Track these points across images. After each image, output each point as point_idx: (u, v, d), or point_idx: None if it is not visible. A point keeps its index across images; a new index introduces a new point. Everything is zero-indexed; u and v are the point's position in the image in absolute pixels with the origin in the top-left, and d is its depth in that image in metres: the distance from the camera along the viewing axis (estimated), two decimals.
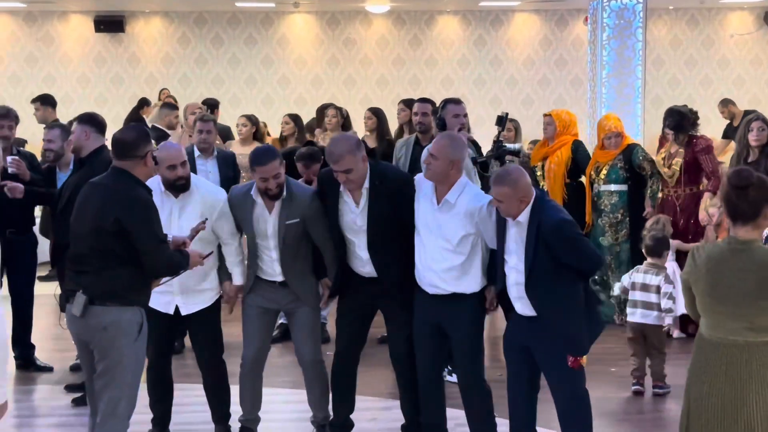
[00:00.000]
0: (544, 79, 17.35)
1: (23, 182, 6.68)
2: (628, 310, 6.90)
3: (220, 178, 7.39)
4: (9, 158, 6.71)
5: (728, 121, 13.82)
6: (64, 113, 16.39)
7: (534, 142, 9.95)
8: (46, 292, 7.21)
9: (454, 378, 5.91)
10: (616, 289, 7.04)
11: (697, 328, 4.11)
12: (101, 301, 4.45)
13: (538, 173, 8.62)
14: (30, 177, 6.79)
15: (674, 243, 7.71)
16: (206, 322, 5.52)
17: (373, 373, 6.69)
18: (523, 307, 4.86)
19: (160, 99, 14.74)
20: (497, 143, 7.15)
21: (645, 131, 12.01)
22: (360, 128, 9.81)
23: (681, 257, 7.81)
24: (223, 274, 5.56)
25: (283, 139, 9.42)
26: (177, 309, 5.46)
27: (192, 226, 5.17)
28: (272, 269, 5.44)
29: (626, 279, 6.98)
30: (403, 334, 5.37)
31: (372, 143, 8.70)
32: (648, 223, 7.65)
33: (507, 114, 7.27)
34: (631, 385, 6.70)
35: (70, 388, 6.64)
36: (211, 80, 17.07)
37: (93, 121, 6.39)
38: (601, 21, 11.74)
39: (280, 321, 7.22)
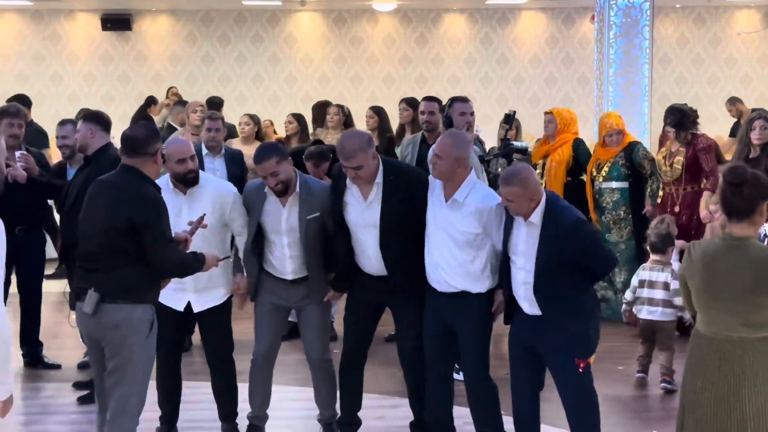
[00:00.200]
0: (550, 77, 17.34)
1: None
2: (636, 307, 6.94)
3: (228, 176, 7.39)
4: (18, 153, 6.76)
5: (735, 120, 13.80)
6: (71, 111, 16.42)
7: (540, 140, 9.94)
8: (53, 290, 7.25)
9: (460, 376, 5.90)
10: (628, 294, 7.03)
11: None
12: (113, 298, 4.45)
13: (538, 171, 8.61)
14: (39, 172, 6.82)
15: (678, 243, 7.71)
16: (217, 320, 5.52)
17: (380, 371, 6.70)
18: (530, 307, 4.85)
19: (167, 97, 14.75)
20: (505, 141, 7.16)
21: (652, 130, 11.99)
22: (363, 127, 9.80)
23: None
24: (236, 267, 5.56)
25: (286, 139, 9.43)
26: (188, 306, 5.46)
27: (209, 220, 5.19)
28: (283, 266, 5.44)
29: (634, 279, 7.03)
30: (412, 332, 5.37)
31: (374, 141, 8.69)
32: (653, 223, 7.64)
33: (515, 112, 7.29)
34: (636, 372, 6.80)
35: (77, 386, 6.65)
36: (218, 78, 17.09)
37: (98, 119, 6.40)
38: (608, 19, 11.71)
39: (289, 319, 7.22)
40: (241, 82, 17.15)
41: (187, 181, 5.31)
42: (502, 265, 5.00)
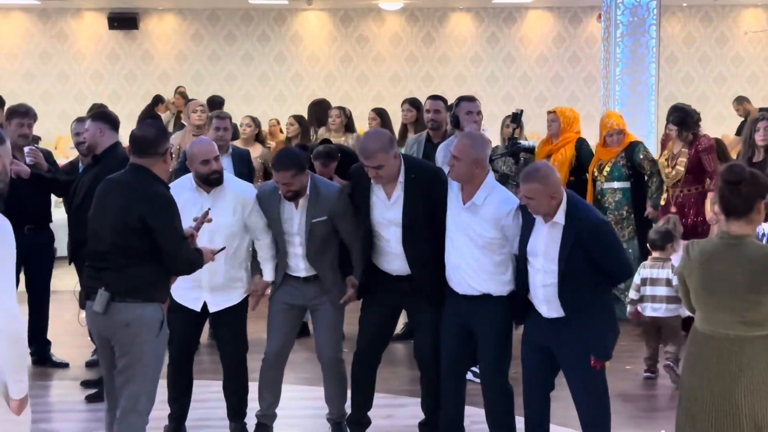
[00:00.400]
0: (557, 76, 17.34)
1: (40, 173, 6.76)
2: (640, 305, 6.98)
3: (235, 175, 7.38)
4: (27, 149, 6.79)
5: (743, 119, 13.77)
6: (78, 110, 16.44)
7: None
8: (61, 288, 7.27)
9: (469, 376, 5.90)
10: (632, 293, 7.04)
11: None
12: (123, 297, 4.46)
13: None
14: (47, 168, 6.84)
15: (682, 243, 7.72)
16: (233, 320, 5.52)
17: (388, 370, 6.69)
18: (549, 310, 4.81)
19: (174, 96, 14.75)
20: (512, 140, 7.15)
21: (658, 129, 11.98)
22: (365, 128, 9.80)
23: None
24: (255, 268, 5.57)
25: (288, 140, 9.43)
26: (204, 306, 5.47)
27: (225, 221, 5.23)
28: (297, 265, 5.46)
29: (636, 278, 7.05)
30: (430, 332, 5.34)
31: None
32: (659, 223, 7.64)
33: (522, 111, 7.28)
34: (644, 372, 6.84)
35: (86, 384, 6.66)
36: (224, 77, 17.11)
37: (107, 118, 6.42)
38: (615, 18, 11.71)
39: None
40: (247, 81, 17.17)
41: (210, 181, 5.32)
42: (523, 267, 4.95)
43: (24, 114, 6.98)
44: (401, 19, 17.21)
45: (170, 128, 12.21)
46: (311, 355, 5.70)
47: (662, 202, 8.26)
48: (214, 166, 5.30)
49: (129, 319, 4.47)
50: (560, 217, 4.72)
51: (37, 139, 10.36)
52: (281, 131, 12.45)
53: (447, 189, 5.21)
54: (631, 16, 11.70)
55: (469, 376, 5.87)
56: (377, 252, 5.37)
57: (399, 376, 6.82)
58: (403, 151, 7.51)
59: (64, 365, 7.21)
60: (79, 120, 7.17)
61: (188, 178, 5.38)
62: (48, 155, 7.16)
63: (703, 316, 4.02)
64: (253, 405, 5.66)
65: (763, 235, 5.53)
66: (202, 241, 5.06)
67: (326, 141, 8.26)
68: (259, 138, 9.33)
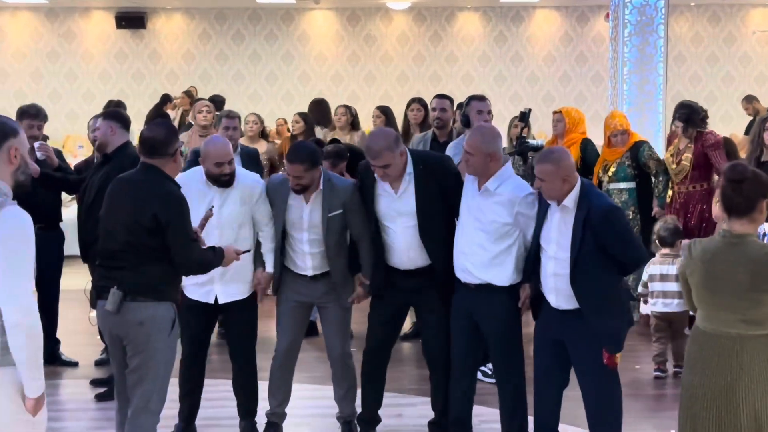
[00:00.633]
0: (564, 75, 17.32)
1: (49, 169, 6.78)
2: (650, 301, 7.03)
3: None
4: (37, 143, 6.82)
5: (751, 118, 13.75)
6: (86, 109, 16.53)
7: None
8: (70, 287, 7.27)
9: (479, 375, 5.91)
10: (641, 289, 7.09)
11: None
12: (136, 296, 4.47)
13: None
14: (58, 164, 6.86)
15: (685, 242, 7.73)
16: (243, 314, 5.53)
17: (398, 369, 6.70)
18: (558, 299, 4.81)
19: (180, 95, 14.77)
20: (520, 139, 7.15)
21: (666, 128, 11.97)
22: (369, 126, 9.82)
23: None
24: (258, 262, 5.57)
25: (293, 138, 9.44)
26: (215, 301, 5.47)
27: (233, 212, 5.26)
28: (303, 262, 5.45)
29: (644, 275, 7.08)
30: (439, 330, 5.35)
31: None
32: (656, 227, 7.66)
33: (530, 110, 7.27)
34: (653, 370, 6.87)
35: (95, 383, 6.68)
36: (232, 77, 17.13)
37: (118, 117, 6.43)
38: (623, 17, 11.68)
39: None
40: (254, 81, 17.18)
41: (221, 182, 5.32)
42: (531, 258, 4.97)
43: (34, 115, 7.00)
44: (408, 19, 17.21)
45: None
46: (321, 354, 5.71)
47: (668, 199, 8.25)
48: (226, 169, 5.29)
49: (142, 318, 4.47)
50: (570, 201, 4.72)
51: (45, 139, 10.38)
52: (288, 131, 12.47)
53: (457, 177, 5.25)
54: (639, 15, 11.67)
55: (479, 375, 5.88)
56: (387, 249, 5.38)
57: (408, 375, 6.83)
58: None
59: (73, 364, 7.22)
60: (97, 117, 7.20)
61: (199, 171, 5.38)
62: (58, 154, 7.17)
63: (704, 314, 4.04)
64: (263, 404, 5.66)
65: (764, 234, 5.53)
66: (212, 235, 5.08)
67: (335, 141, 8.28)
68: (263, 135, 9.36)
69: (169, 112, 13.79)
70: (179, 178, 4.87)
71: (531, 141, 7.07)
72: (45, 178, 6.70)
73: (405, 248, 5.29)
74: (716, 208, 7.84)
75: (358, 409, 5.66)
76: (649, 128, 10.90)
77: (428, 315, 5.44)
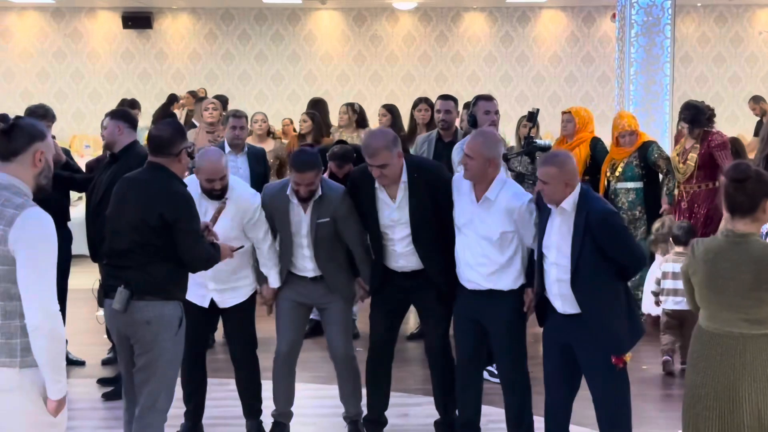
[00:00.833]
0: (570, 76, 17.30)
1: (57, 167, 6.78)
2: (661, 298, 7.11)
3: (250, 174, 7.41)
4: None
5: (759, 118, 13.73)
6: (92, 109, 16.57)
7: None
8: (78, 287, 7.28)
9: (486, 375, 5.90)
10: (653, 286, 7.15)
11: None
12: (143, 295, 4.47)
13: None
14: (65, 161, 6.87)
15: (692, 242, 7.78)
16: (241, 317, 5.54)
17: (404, 369, 6.71)
18: (564, 304, 4.82)
19: (185, 95, 14.78)
20: (528, 139, 7.14)
21: (673, 128, 11.95)
22: (375, 125, 9.81)
23: None
24: (261, 275, 5.57)
25: (301, 137, 9.45)
26: (212, 303, 5.48)
27: (227, 225, 5.21)
28: (305, 265, 5.46)
29: (657, 271, 7.12)
30: (440, 329, 5.37)
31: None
32: (654, 227, 7.66)
33: (538, 110, 7.27)
34: (662, 357, 7.00)
35: (102, 382, 6.68)
36: (238, 77, 17.13)
37: (125, 117, 6.44)
38: (629, 17, 11.66)
39: (311, 317, 7.24)
40: (261, 81, 17.19)
41: (212, 196, 5.30)
42: (535, 264, 4.97)
43: (42, 116, 7.00)
44: (414, 19, 17.20)
45: None
46: (326, 353, 5.71)
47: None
48: (217, 185, 5.26)
49: (149, 317, 4.48)
50: (568, 204, 4.71)
51: (52, 139, 10.38)
52: (294, 131, 12.47)
53: (450, 186, 5.24)
54: (646, 15, 11.65)
55: (486, 375, 5.88)
56: (384, 252, 5.38)
57: (414, 375, 6.82)
58: (412, 150, 7.51)
59: (81, 363, 7.23)
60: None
61: (195, 182, 5.34)
62: (66, 154, 7.17)
63: (707, 314, 4.04)
64: (268, 403, 5.67)
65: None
66: None
67: (341, 142, 8.28)
68: (269, 133, 9.38)
69: (176, 111, 13.80)
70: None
71: (539, 141, 7.04)
72: (53, 176, 6.70)
73: (402, 253, 5.31)
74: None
75: (364, 409, 5.66)
76: (656, 129, 10.89)
77: (428, 312, 5.47)
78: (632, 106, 11.48)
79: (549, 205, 4.81)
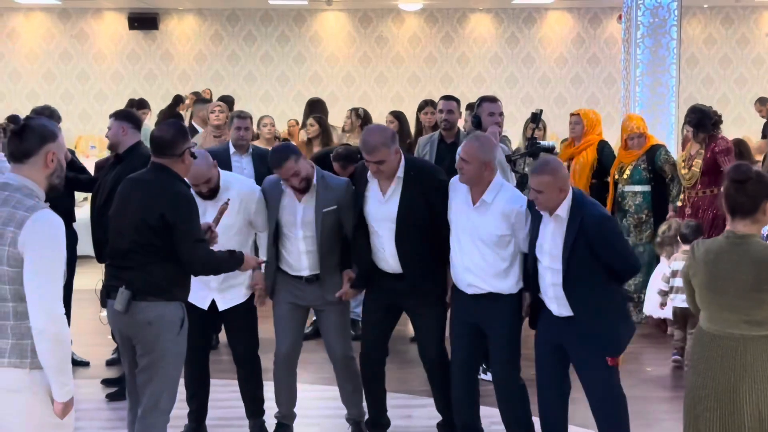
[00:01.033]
0: (576, 77, 17.29)
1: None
2: (671, 296, 7.16)
3: (255, 175, 7.41)
4: None
5: (765, 120, 13.70)
6: (98, 110, 16.59)
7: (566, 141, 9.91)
8: (82, 287, 7.29)
9: (487, 376, 5.89)
10: (663, 285, 7.19)
11: None
12: (145, 296, 4.48)
13: None
14: (70, 159, 6.88)
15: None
16: (242, 317, 5.54)
17: (407, 370, 6.70)
18: (559, 307, 4.82)
19: (189, 96, 14.79)
20: (531, 140, 7.14)
21: (679, 130, 11.93)
22: None
23: None
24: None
25: (309, 141, 9.46)
26: (213, 304, 5.48)
27: (229, 222, 5.20)
28: (298, 262, 5.44)
29: (666, 269, 7.20)
30: (432, 335, 5.36)
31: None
32: (660, 230, 7.66)
33: (541, 111, 7.26)
34: (672, 354, 7.13)
35: (106, 383, 6.69)
36: (244, 78, 17.15)
37: (130, 117, 6.44)
38: (635, 19, 11.64)
39: (314, 318, 7.23)
40: (266, 82, 17.20)
41: (202, 196, 5.31)
42: (534, 268, 4.97)
43: (48, 117, 7.01)
44: (420, 20, 17.20)
45: None
46: None
47: (679, 203, 8.23)
48: (203, 189, 5.27)
49: (150, 317, 4.48)
50: (563, 210, 4.72)
51: None
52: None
53: (445, 189, 5.23)
54: (652, 17, 11.63)
55: (487, 376, 5.87)
56: (375, 249, 5.37)
57: (417, 377, 6.80)
58: (414, 152, 7.51)
59: (85, 364, 7.24)
60: None
61: None
62: (71, 154, 7.18)
63: (707, 315, 4.04)
64: (271, 404, 5.67)
65: None
66: None
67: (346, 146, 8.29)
68: (275, 137, 9.42)
69: (182, 113, 13.82)
70: None
71: (542, 142, 7.05)
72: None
73: (390, 253, 5.28)
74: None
75: (367, 412, 5.65)
76: (662, 130, 10.85)
77: (417, 317, 5.45)
78: (638, 107, 11.46)
79: (543, 213, 4.81)
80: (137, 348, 4.57)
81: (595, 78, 17.25)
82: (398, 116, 9.24)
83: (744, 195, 3.91)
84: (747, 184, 3.91)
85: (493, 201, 5.04)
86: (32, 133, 3.53)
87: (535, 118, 7.24)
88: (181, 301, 4.62)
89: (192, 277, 4.76)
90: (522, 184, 6.11)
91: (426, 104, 8.83)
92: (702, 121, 8.03)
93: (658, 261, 7.99)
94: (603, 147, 8.55)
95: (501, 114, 6.74)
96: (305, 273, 5.45)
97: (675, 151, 9.90)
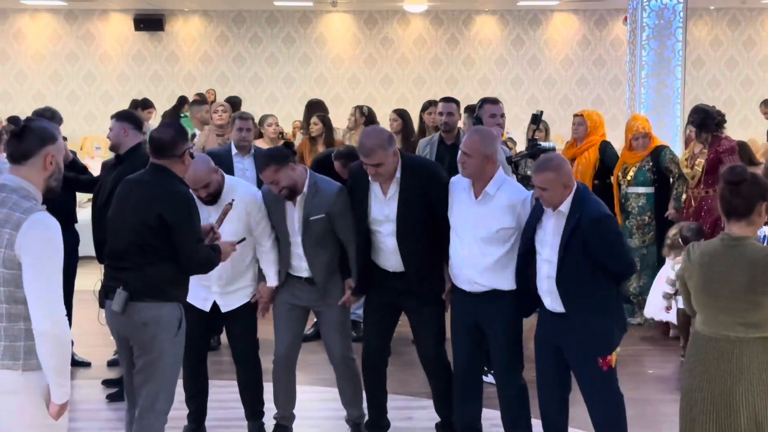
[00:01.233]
0: (582, 79, 17.27)
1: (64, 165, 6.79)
2: (677, 297, 7.09)
3: (257, 175, 7.41)
4: None
5: None
6: (104, 111, 16.61)
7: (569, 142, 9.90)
8: (84, 288, 7.30)
9: (489, 378, 5.88)
10: (669, 288, 7.17)
11: None
12: (142, 297, 4.47)
13: None
14: (72, 159, 6.88)
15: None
16: (243, 318, 5.54)
17: (408, 372, 6.69)
18: (552, 302, 4.81)
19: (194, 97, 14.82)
20: (532, 141, 7.13)
21: (684, 132, 11.91)
22: (388, 129, 9.81)
23: None
24: (259, 275, 5.56)
25: (312, 140, 9.47)
26: (214, 306, 5.48)
27: (232, 228, 5.20)
28: (299, 265, 5.45)
29: (670, 272, 7.21)
30: (430, 335, 5.35)
31: (397, 144, 8.69)
32: (670, 233, 7.63)
33: (542, 112, 7.26)
34: (680, 356, 7.07)
35: (107, 383, 6.69)
36: (249, 79, 17.17)
37: (131, 118, 6.44)
38: (641, 21, 11.64)
39: (315, 319, 7.23)
40: (272, 83, 17.22)
41: (202, 201, 5.29)
42: (525, 260, 4.95)
43: (49, 119, 7.00)
44: (426, 22, 17.20)
45: None
46: None
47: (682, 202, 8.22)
48: (201, 193, 5.24)
49: (147, 318, 4.48)
50: (565, 206, 4.71)
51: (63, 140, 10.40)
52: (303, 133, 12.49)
53: (445, 187, 5.22)
54: (658, 18, 11.62)
55: (490, 378, 5.85)
56: (374, 248, 5.36)
57: (418, 378, 6.78)
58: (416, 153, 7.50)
59: (86, 364, 7.24)
60: None
61: None
62: (73, 153, 7.18)
63: (703, 318, 4.04)
64: (270, 406, 5.66)
65: (765, 237, 5.51)
66: None
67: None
68: (281, 134, 9.42)
69: (186, 114, 13.84)
70: None
71: (542, 143, 7.04)
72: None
73: (391, 251, 5.27)
74: None
75: (367, 413, 5.64)
76: (667, 132, 10.86)
77: (416, 317, 5.44)
78: (643, 109, 11.45)
79: (547, 209, 4.80)
80: (134, 348, 4.57)
81: (600, 80, 17.23)
82: (402, 114, 9.24)
83: (738, 197, 3.91)
84: (741, 186, 3.91)
85: (496, 193, 5.03)
86: (32, 135, 3.53)
87: (536, 119, 7.24)
88: (179, 302, 4.61)
89: (196, 278, 4.76)
90: (524, 185, 6.09)
91: (430, 104, 8.83)
92: (705, 121, 8.00)
93: (660, 264, 7.97)
94: (605, 147, 8.53)
95: (502, 115, 6.74)
96: (305, 273, 5.45)
97: (679, 154, 9.88)
